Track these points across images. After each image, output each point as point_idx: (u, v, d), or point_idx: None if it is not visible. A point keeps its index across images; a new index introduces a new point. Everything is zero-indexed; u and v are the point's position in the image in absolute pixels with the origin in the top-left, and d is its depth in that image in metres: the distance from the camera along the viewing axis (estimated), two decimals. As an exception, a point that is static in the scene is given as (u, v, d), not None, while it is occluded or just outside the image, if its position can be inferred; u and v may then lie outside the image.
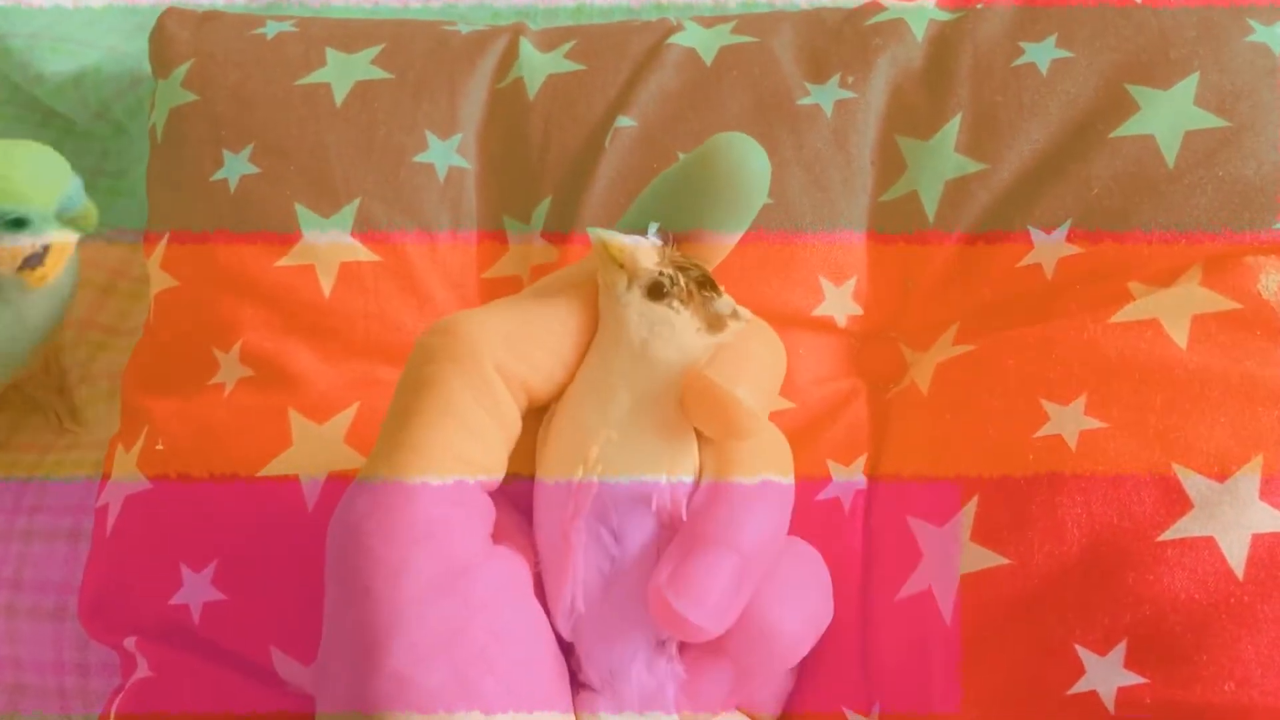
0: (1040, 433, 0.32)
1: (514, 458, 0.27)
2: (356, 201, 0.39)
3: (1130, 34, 0.39)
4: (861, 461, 0.35)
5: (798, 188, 0.38)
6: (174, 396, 0.38)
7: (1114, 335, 0.33)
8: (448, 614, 0.24)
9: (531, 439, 0.28)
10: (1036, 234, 0.37)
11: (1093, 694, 0.29)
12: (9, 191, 0.36)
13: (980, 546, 0.31)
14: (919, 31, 0.41)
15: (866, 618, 0.33)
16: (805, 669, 0.32)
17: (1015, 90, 0.39)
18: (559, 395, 0.27)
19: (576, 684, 0.27)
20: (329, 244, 0.39)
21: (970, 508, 0.32)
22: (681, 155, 0.32)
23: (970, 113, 0.39)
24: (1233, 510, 0.30)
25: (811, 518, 0.33)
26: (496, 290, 0.40)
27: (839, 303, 0.38)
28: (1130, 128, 0.37)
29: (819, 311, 0.38)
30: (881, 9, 0.42)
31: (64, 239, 0.38)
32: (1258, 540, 0.29)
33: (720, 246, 0.28)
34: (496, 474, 0.27)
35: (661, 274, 0.26)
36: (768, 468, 0.27)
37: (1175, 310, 0.33)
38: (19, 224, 0.36)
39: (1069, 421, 0.32)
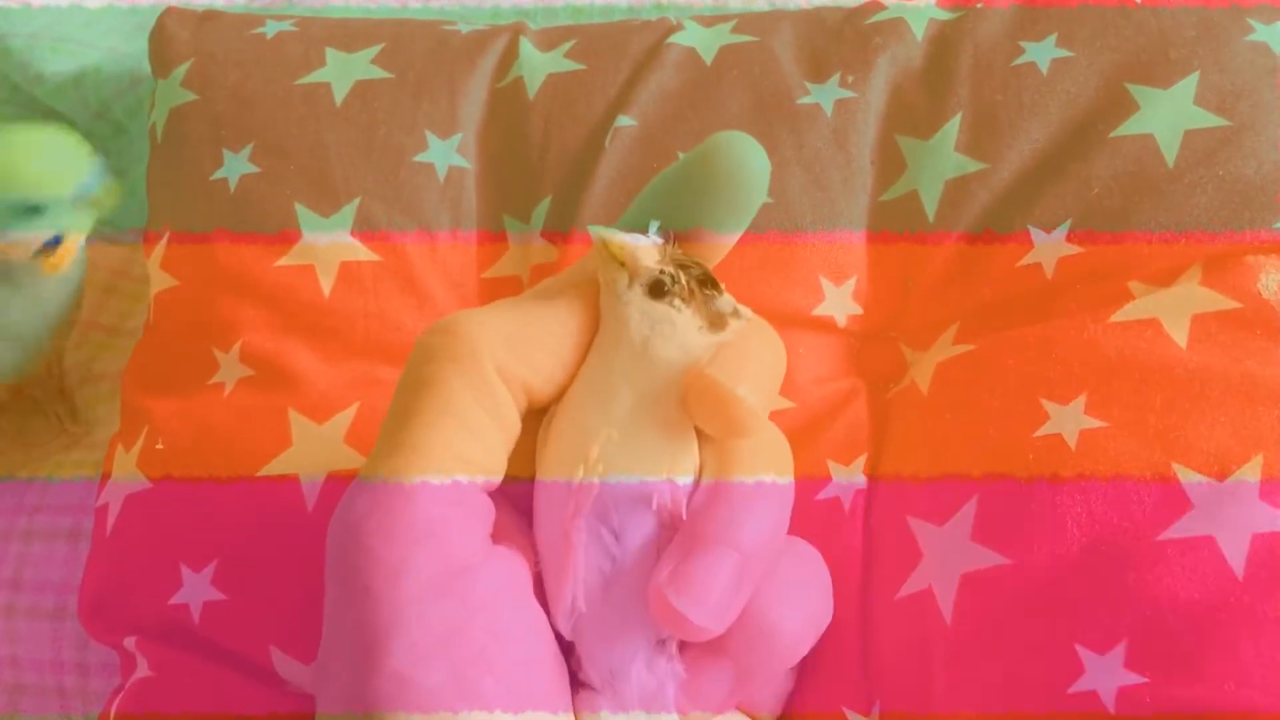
0: (1040, 432, 0.32)
1: (514, 459, 0.27)
2: (356, 201, 0.39)
3: (1130, 33, 0.39)
4: (861, 461, 0.35)
5: (798, 187, 0.38)
6: (174, 396, 0.38)
7: (1114, 335, 0.33)
8: (447, 614, 0.24)
9: (531, 440, 0.28)
10: (1036, 233, 0.37)
11: (1093, 693, 0.29)
12: (25, 180, 0.36)
13: (980, 546, 0.31)
14: (919, 31, 0.41)
15: (866, 617, 0.33)
16: (805, 668, 0.32)
17: (1015, 90, 0.39)
18: (559, 397, 0.27)
19: (577, 683, 0.27)
20: (329, 244, 0.39)
21: (970, 507, 0.32)
22: (681, 154, 0.32)
23: (970, 112, 0.39)
24: (1233, 510, 0.30)
25: (811, 517, 0.33)
26: (496, 290, 0.40)
27: (839, 302, 0.38)
28: (1130, 127, 0.37)
29: (819, 311, 0.38)
30: (881, 8, 0.42)
31: (78, 227, 0.38)
32: (1258, 540, 0.29)
33: (720, 246, 0.28)
34: (496, 474, 0.27)
35: (663, 272, 0.26)
36: (768, 467, 0.27)
37: (1175, 310, 0.33)
38: (34, 211, 0.37)
39: (1069, 421, 0.32)
